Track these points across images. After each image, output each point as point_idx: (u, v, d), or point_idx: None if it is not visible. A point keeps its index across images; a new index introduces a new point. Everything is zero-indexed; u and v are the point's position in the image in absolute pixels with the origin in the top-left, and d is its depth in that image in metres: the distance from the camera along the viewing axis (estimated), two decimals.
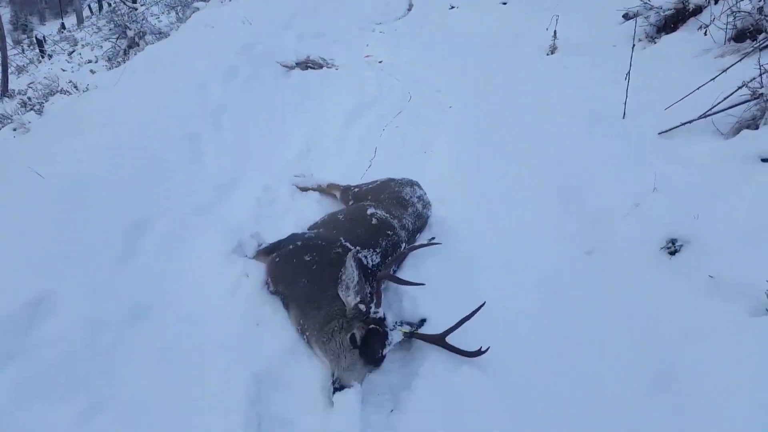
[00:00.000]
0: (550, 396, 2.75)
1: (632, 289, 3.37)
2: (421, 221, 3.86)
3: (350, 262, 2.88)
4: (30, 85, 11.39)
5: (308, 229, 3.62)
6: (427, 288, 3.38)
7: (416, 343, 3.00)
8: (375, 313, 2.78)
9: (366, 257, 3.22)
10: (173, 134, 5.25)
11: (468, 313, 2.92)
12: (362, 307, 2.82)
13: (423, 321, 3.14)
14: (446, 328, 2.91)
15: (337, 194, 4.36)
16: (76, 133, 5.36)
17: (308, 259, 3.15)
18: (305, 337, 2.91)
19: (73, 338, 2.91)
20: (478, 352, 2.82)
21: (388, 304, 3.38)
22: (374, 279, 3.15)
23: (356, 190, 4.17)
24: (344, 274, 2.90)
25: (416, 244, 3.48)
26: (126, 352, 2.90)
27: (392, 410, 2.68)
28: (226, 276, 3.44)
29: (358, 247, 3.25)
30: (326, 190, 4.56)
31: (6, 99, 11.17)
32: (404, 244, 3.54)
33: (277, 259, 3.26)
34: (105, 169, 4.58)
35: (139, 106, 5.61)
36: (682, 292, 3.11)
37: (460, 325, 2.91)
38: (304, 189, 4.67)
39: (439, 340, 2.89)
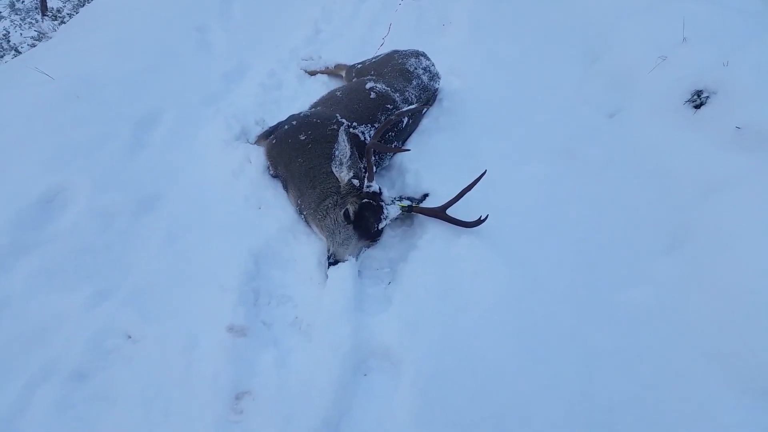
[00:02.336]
0: (553, 262, 2.66)
1: (653, 147, 3.14)
2: (427, 94, 3.65)
3: (342, 137, 2.77)
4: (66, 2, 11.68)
5: (311, 107, 3.49)
6: (432, 162, 3.27)
7: (418, 218, 2.94)
8: (368, 187, 2.70)
9: (363, 133, 3.09)
10: (182, 26, 5.17)
11: (469, 183, 2.78)
12: (356, 182, 2.74)
13: (426, 195, 3.04)
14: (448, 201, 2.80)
15: (343, 74, 4.15)
16: (89, 34, 5.35)
17: (303, 138, 3.05)
18: (303, 216, 2.88)
19: (85, 231, 2.99)
20: (478, 222, 2.72)
21: (391, 180, 3.30)
22: None
23: (359, 66, 3.96)
24: (337, 149, 2.79)
25: (404, 109, 3.24)
26: (134, 240, 2.96)
27: (390, 282, 2.66)
28: (229, 162, 3.41)
29: (354, 123, 3.11)
30: (334, 72, 4.37)
31: (46, 18, 11.21)
32: (406, 119, 3.37)
33: (274, 141, 3.19)
34: (115, 64, 4.57)
35: (149, 1, 5.52)
36: (705, 146, 2.86)
37: (462, 196, 2.80)
38: (312, 73, 4.49)
39: (439, 213, 2.80)
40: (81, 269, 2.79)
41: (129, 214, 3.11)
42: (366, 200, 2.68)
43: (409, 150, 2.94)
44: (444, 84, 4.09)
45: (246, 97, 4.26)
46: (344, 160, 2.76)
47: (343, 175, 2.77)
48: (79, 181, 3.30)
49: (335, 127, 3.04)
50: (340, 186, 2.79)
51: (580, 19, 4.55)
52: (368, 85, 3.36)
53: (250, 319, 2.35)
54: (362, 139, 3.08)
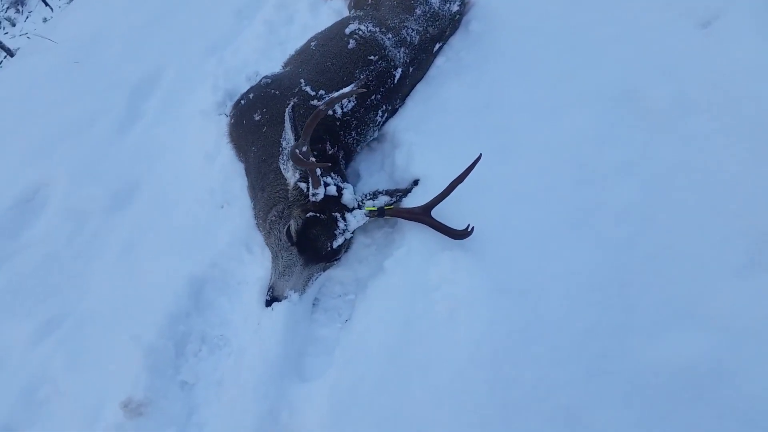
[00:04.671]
0: (568, 289, 1.85)
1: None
2: (440, 23, 2.71)
3: (287, 123, 2.08)
4: None
5: (283, 66, 2.76)
6: (435, 126, 2.48)
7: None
8: (314, 195, 2.01)
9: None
10: None
11: (461, 173, 1.99)
12: (303, 186, 2.08)
13: (415, 182, 2.29)
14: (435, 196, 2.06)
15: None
16: None
17: (258, 118, 2.40)
18: (256, 224, 2.31)
19: (57, 236, 2.77)
20: (465, 233, 1.96)
21: (380, 160, 2.56)
22: (342, 134, 2.33)
23: None
24: (283, 139, 2.12)
25: (335, 94, 2.04)
26: (98, 248, 2.65)
27: (347, 320, 2.05)
28: (206, 140, 2.88)
29: (322, 90, 2.37)
30: None
31: None
32: (402, 69, 2.52)
33: (232, 121, 2.57)
34: (120, 18, 4.16)
35: None
36: None
37: (451, 190, 2.04)
38: None
39: (420, 216, 2.07)
40: (42, 288, 2.57)
41: (102, 212, 2.83)
42: (311, 214, 2.02)
43: (328, 165, 2.06)
44: None
45: (250, 40, 3.62)
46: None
47: (289, 175, 2.12)
48: (58, 175, 3.06)
49: (296, 99, 2.33)
50: (288, 190, 2.14)
51: None
52: (348, 29, 2.54)
53: (158, 385, 1.91)
54: (331, 113, 2.34)
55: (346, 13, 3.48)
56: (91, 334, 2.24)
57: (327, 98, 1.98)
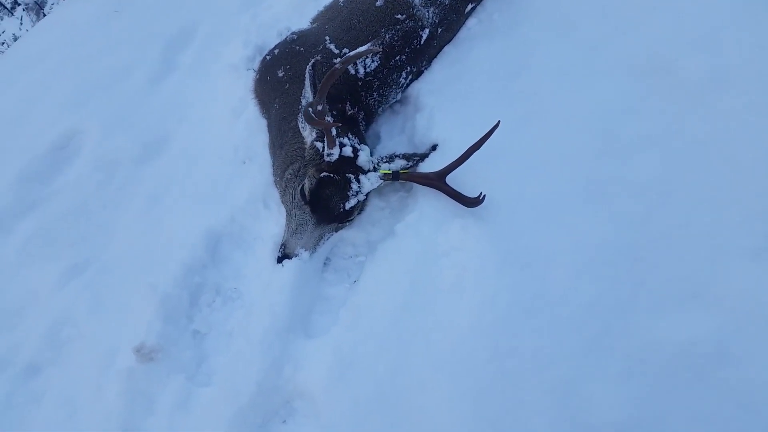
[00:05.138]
0: (577, 260, 1.83)
1: None
2: None
3: (307, 81, 2.08)
4: None
5: (310, 22, 2.74)
6: (459, 91, 2.44)
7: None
8: (329, 155, 2.02)
9: (356, 62, 2.31)
10: None
11: (478, 139, 1.97)
12: (319, 145, 2.08)
13: (434, 148, 2.27)
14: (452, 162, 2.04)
15: None
16: None
17: (281, 75, 2.40)
18: (274, 181, 2.34)
19: (87, 184, 2.86)
20: (477, 201, 1.95)
21: (402, 122, 2.53)
22: (364, 95, 2.32)
23: None
24: (303, 96, 2.13)
25: (351, 53, 2.00)
26: (127, 199, 2.74)
27: (355, 281, 2.08)
28: (234, 95, 2.91)
29: (346, 48, 2.35)
30: None
31: None
32: (429, 29, 2.46)
33: (257, 76, 2.58)
34: None
35: None
36: None
37: (467, 157, 2.02)
38: None
39: (434, 182, 2.06)
40: (71, 234, 2.67)
41: (132, 162, 2.90)
42: (325, 174, 2.03)
43: (338, 125, 2.04)
44: None
45: None
46: None
47: (306, 134, 2.13)
48: (91, 124, 3.15)
49: (319, 57, 2.32)
50: (305, 149, 2.15)
51: None
52: None
53: (171, 333, 1.99)
54: (353, 73, 2.32)
55: None
56: (113, 280, 2.34)
57: (344, 57, 1.95)
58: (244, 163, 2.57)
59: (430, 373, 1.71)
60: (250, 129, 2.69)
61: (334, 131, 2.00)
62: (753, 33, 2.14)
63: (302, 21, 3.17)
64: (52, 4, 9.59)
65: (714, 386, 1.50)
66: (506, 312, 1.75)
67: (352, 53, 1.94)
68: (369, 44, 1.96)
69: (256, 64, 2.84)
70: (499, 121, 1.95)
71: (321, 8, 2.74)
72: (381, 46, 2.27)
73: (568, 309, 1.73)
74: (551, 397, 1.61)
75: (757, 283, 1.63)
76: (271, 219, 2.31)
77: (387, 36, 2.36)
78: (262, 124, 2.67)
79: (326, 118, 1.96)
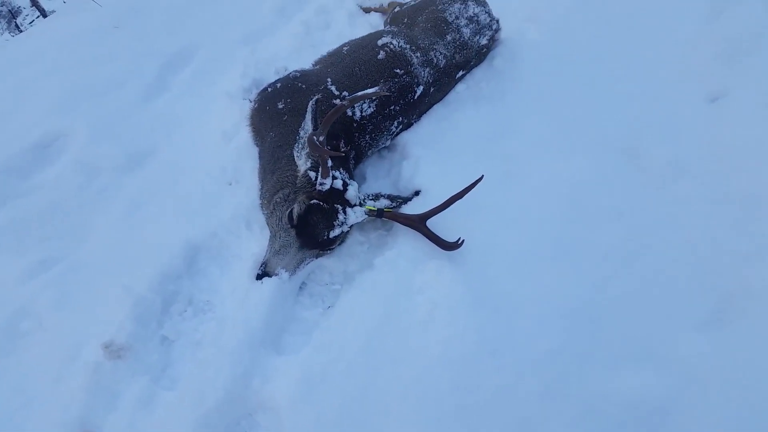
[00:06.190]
0: (539, 312, 1.97)
1: (753, 157, 2.17)
2: (466, 53, 2.86)
3: (308, 115, 2.21)
4: None
5: (313, 64, 2.91)
6: (445, 146, 2.63)
7: (398, 224, 2.32)
8: (321, 185, 2.13)
9: (355, 105, 2.47)
10: None
11: (461, 189, 2.12)
12: (312, 174, 2.20)
13: (416, 193, 2.42)
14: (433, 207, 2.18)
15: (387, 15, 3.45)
16: None
17: (281, 106, 2.53)
18: (260, 203, 2.42)
19: (67, 185, 2.87)
20: (455, 245, 2.08)
21: (388, 167, 2.68)
22: (357, 136, 2.46)
23: (397, 9, 3.23)
24: (302, 128, 2.25)
25: (359, 93, 2.33)
26: (105, 203, 2.77)
27: (329, 306, 2.15)
28: (227, 120, 3.02)
29: (345, 92, 2.51)
30: (386, 10, 3.67)
31: None
32: (423, 87, 2.66)
33: (255, 106, 2.70)
34: None
35: None
36: None
37: (448, 204, 2.16)
38: (367, 10, 3.86)
39: (415, 223, 2.19)
40: (44, 230, 2.66)
41: (114, 171, 2.94)
42: (315, 201, 2.14)
43: (342, 154, 2.24)
44: (513, 35, 3.23)
45: (286, 37, 3.78)
46: (306, 144, 2.22)
47: (301, 163, 2.24)
48: (78, 129, 3.18)
49: (320, 96, 2.46)
50: (297, 176, 2.26)
51: None
52: (381, 41, 2.69)
53: (141, 335, 2.00)
54: (350, 115, 2.47)
55: (381, 28, 3.65)
56: (82, 279, 2.33)
57: (351, 96, 2.11)
58: (230, 184, 2.65)
59: (395, 399, 1.78)
60: (240, 153, 2.79)
61: (330, 162, 2.12)
62: (714, 134, 2.41)
63: (299, 64, 3.34)
64: (26, 15, 9.64)
65: None
66: (473, 350, 1.85)
67: (360, 93, 2.10)
68: (377, 88, 2.12)
69: (253, 95, 2.98)
70: (482, 175, 2.11)
71: (324, 54, 2.92)
72: (388, 92, 2.44)
73: (530, 354, 1.84)
74: None
75: (701, 352, 1.80)
76: (253, 239, 2.38)
77: (385, 87, 2.54)
78: (251, 151, 2.77)
79: (326, 147, 2.09)
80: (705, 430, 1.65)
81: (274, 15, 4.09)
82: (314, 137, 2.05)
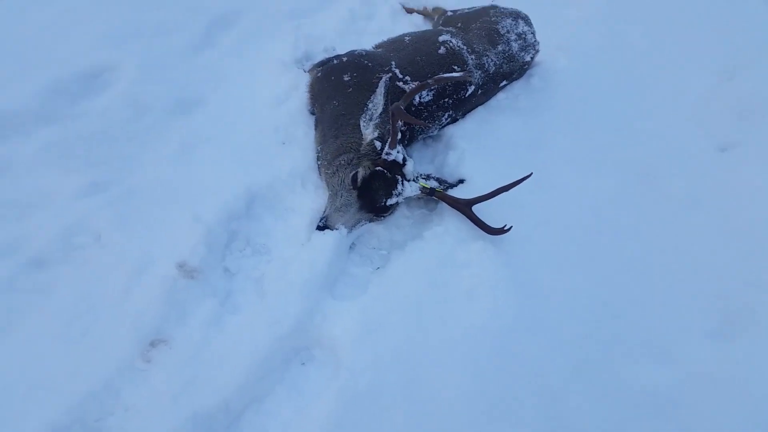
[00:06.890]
0: (569, 305, 2.20)
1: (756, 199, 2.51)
2: (512, 65, 3.13)
3: (381, 89, 2.40)
4: None
5: (374, 47, 3.11)
6: (487, 145, 2.85)
7: (442, 205, 2.54)
8: (387, 154, 2.33)
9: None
10: None
11: (509, 183, 2.34)
12: (378, 144, 2.39)
13: (460, 181, 2.64)
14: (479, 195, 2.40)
15: (436, 18, 3.68)
16: None
17: (347, 79, 2.71)
18: (318, 165, 2.59)
19: (115, 116, 2.93)
20: (501, 230, 2.30)
21: (434, 153, 2.90)
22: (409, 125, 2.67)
23: (450, 14, 3.48)
24: (371, 101, 2.44)
25: (445, 75, 2.60)
26: (156, 139, 2.86)
27: (378, 267, 2.34)
28: (279, 85, 3.17)
29: (408, 77, 2.71)
30: (431, 14, 3.91)
31: None
32: (474, 87, 2.90)
33: (319, 74, 2.87)
34: None
35: None
36: None
37: (495, 195, 2.38)
38: (410, 10, 4.08)
39: (462, 207, 2.40)
40: (93, 155, 2.73)
41: (163, 111, 3.03)
42: (379, 168, 2.33)
43: (429, 125, 2.56)
44: (546, 59, 3.53)
45: (331, 20, 3.95)
46: (374, 116, 2.41)
47: (368, 132, 2.43)
48: (128, 64, 3.24)
49: (383, 75, 2.66)
50: (361, 144, 2.45)
51: (734, 23, 3.71)
52: (441, 38, 2.91)
53: (210, 261, 2.14)
54: (412, 99, 2.68)
55: (422, 29, 3.88)
56: (141, 204, 2.43)
57: (436, 77, 2.35)
58: (284, 143, 2.80)
59: (443, 354, 1.97)
60: (293, 117, 2.95)
61: (399, 135, 2.32)
62: (719, 175, 2.75)
63: (344, 47, 3.50)
64: None
65: (663, 428, 1.89)
66: (512, 323, 2.08)
67: (446, 75, 2.32)
68: (462, 72, 2.35)
69: (308, 66, 3.15)
70: (531, 172, 2.36)
71: (384, 39, 3.12)
72: (470, 76, 2.73)
73: (562, 335, 2.09)
74: (539, 399, 1.92)
75: (708, 356, 2.08)
76: (307, 197, 2.54)
77: (467, 74, 2.78)
78: (305, 116, 2.94)
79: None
80: (709, 423, 1.91)
81: None
82: (400, 105, 2.24)
